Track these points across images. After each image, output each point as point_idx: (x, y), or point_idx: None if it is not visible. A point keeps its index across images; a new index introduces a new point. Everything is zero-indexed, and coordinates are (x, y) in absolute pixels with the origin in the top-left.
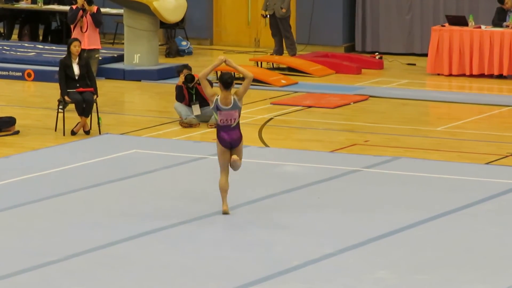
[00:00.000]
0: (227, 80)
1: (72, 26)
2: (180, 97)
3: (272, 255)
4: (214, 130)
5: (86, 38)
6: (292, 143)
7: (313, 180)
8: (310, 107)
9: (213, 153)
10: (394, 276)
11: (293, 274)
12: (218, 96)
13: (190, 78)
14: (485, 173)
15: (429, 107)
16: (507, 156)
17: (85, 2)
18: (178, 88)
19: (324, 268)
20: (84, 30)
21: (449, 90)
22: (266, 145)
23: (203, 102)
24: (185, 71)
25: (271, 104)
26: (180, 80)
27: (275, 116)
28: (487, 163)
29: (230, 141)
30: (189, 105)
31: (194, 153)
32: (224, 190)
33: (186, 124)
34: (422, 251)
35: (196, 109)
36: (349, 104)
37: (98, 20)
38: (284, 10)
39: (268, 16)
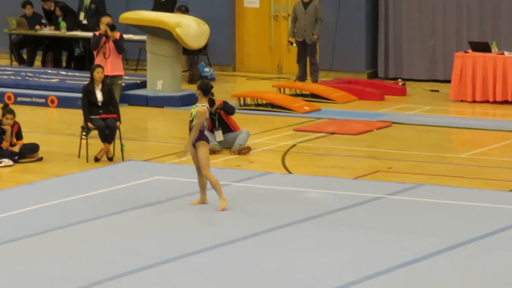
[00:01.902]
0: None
1: (95, 53)
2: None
3: (294, 281)
4: (237, 156)
5: (109, 64)
6: (315, 170)
7: (336, 207)
8: (333, 133)
9: (236, 180)
10: None
11: None
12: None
13: (211, 103)
14: (509, 200)
15: (452, 133)
16: None
17: (108, 29)
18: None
19: None
20: (107, 56)
21: (473, 116)
22: (289, 172)
23: (226, 128)
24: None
25: (294, 130)
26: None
27: (298, 143)
28: (511, 190)
29: None
30: (211, 131)
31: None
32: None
33: (210, 151)
34: (447, 279)
35: (219, 135)
36: (372, 130)
37: (121, 46)
38: (315, 37)
39: (294, 43)
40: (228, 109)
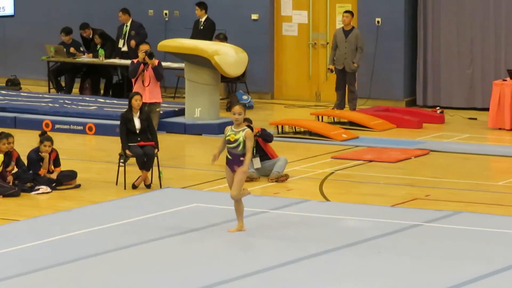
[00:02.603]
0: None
1: (133, 80)
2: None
3: None
4: (275, 184)
5: (147, 92)
6: (353, 197)
7: (374, 234)
8: (371, 161)
9: (274, 207)
10: None
11: None
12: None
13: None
14: None
15: (490, 161)
16: None
17: (146, 57)
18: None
19: None
20: (146, 84)
21: (511, 144)
22: (327, 199)
23: (264, 155)
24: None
25: (332, 158)
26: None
27: (336, 171)
28: None
29: None
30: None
31: (255, 207)
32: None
33: (248, 178)
34: None
35: (257, 162)
36: (410, 158)
37: (159, 73)
38: (356, 65)
39: (334, 71)
40: (266, 137)
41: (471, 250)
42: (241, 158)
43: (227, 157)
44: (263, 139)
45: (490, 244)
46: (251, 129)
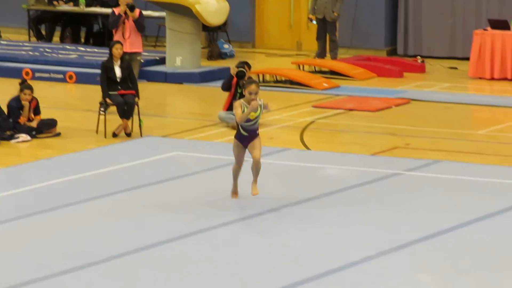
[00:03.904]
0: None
1: (114, 31)
2: (226, 86)
3: (310, 256)
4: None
5: (128, 42)
6: (334, 146)
7: (354, 183)
8: (351, 110)
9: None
10: (435, 279)
11: (332, 276)
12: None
13: (240, 75)
14: None
15: (470, 110)
16: None
17: (127, 9)
18: (229, 77)
19: (365, 271)
20: (126, 36)
21: (491, 93)
22: (308, 148)
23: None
24: (236, 67)
25: (312, 107)
26: (232, 70)
27: (317, 119)
28: None
29: None
30: (231, 103)
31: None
32: None
33: (229, 127)
34: (463, 255)
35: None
36: (391, 107)
37: (141, 25)
38: (336, 14)
39: (314, 21)
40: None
41: (451, 199)
42: (257, 132)
43: (241, 133)
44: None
45: (470, 193)
46: (243, 74)
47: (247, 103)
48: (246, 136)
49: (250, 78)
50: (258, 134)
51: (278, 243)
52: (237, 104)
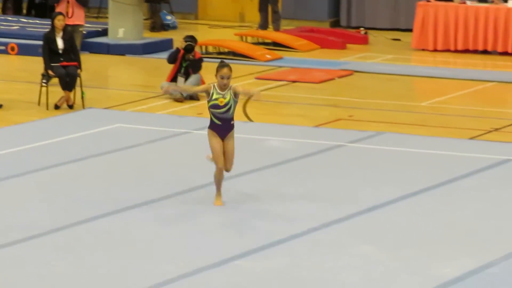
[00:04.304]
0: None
1: (56, 5)
2: (172, 58)
3: (255, 229)
4: (199, 104)
5: (70, 15)
6: (277, 118)
7: (297, 155)
8: (294, 82)
9: (198, 128)
10: (378, 250)
11: (277, 248)
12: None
13: (189, 49)
14: (469, 148)
15: (414, 82)
16: (490, 131)
17: None
18: (176, 50)
19: (308, 242)
20: (70, 16)
21: (434, 65)
22: (251, 120)
23: (188, 76)
24: (184, 41)
25: (255, 79)
26: (180, 44)
27: (260, 91)
28: (471, 138)
29: None
30: (175, 75)
31: (178, 128)
32: None
33: (173, 99)
34: (406, 226)
35: (181, 82)
36: (334, 79)
37: (82, 0)
38: None
39: None
40: (196, 63)
41: (394, 171)
42: (232, 122)
43: (213, 122)
44: (193, 65)
45: (413, 165)
46: (191, 48)
47: (220, 88)
48: (219, 125)
49: (222, 61)
50: (232, 126)
51: (213, 216)
52: (207, 85)
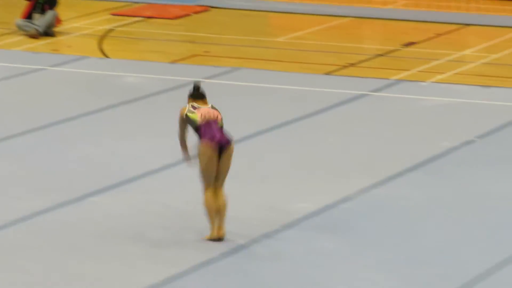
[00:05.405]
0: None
1: None
2: None
3: (113, 165)
4: (54, 40)
5: None
6: (133, 54)
7: (153, 90)
8: (150, 18)
9: (53, 64)
10: (237, 186)
11: (134, 184)
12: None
13: None
14: (325, 83)
15: (270, 17)
16: (346, 67)
17: None
18: None
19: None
20: None
21: (290, 1)
22: (107, 56)
23: (44, 12)
24: None
25: (111, 15)
26: None
27: (115, 27)
28: (327, 73)
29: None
30: (31, 12)
31: (34, 64)
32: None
33: (28, 35)
34: (262, 160)
35: (36, 19)
36: (190, 15)
37: None
38: None
39: None
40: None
41: (250, 107)
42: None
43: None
44: (49, 1)
45: (270, 100)
46: None
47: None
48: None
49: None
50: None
51: (75, 151)
52: (182, 111)
